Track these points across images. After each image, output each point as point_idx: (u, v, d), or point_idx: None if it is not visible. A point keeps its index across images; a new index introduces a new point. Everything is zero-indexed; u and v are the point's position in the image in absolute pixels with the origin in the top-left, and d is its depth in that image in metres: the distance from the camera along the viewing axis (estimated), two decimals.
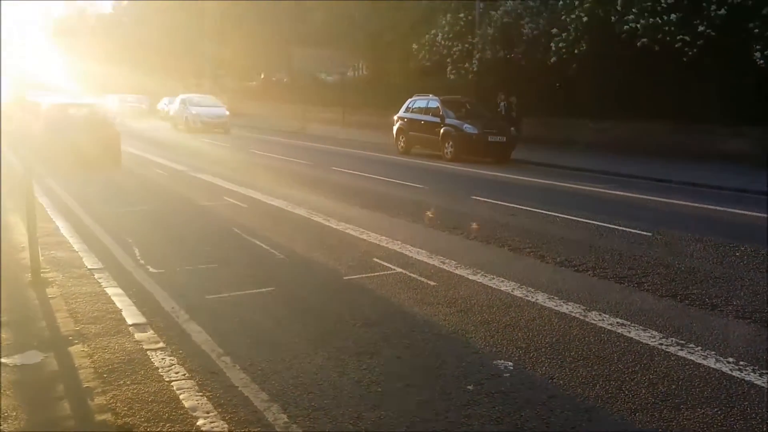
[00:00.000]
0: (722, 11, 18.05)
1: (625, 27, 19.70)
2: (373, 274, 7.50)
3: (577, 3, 21.37)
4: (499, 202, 12.55)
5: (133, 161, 18.91)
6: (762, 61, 17.54)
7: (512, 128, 21.69)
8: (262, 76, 53.50)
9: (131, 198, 12.88)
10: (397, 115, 23.51)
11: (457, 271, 7.60)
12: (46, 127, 16.85)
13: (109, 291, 6.62)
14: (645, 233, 9.77)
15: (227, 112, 33.98)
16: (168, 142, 27.44)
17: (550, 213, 11.46)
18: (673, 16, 18.62)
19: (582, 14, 21.12)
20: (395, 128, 23.47)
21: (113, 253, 8.29)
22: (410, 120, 22.81)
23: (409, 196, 13.39)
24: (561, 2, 22.33)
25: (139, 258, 8.10)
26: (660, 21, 18.80)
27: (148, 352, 5.15)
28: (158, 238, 9.36)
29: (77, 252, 8.14)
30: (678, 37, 18.65)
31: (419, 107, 22.78)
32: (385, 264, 7.89)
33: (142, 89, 51.72)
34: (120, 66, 55.31)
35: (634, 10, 19.42)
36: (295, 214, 11.18)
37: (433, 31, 29.53)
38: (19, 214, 10.22)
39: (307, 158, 20.69)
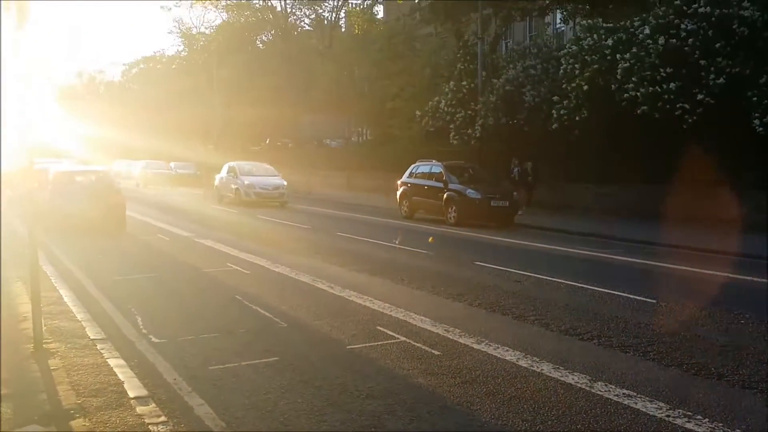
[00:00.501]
0: (721, 80, 18.37)
1: (625, 95, 20.01)
2: (376, 343, 7.46)
3: (577, 72, 21.77)
4: (503, 268, 12.54)
5: (138, 227, 19.04)
6: (761, 129, 17.75)
7: (526, 193, 22.11)
8: (267, 141, 54.24)
9: (135, 265, 12.92)
10: (401, 180, 23.71)
11: (462, 340, 7.55)
12: (53, 195, 17.02)
13: (111, 362, 6.58)
14: (649, 300, 9.72)
15: (285, 182, 28.99)
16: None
17: (553, 279, 11.43)
18: (672, 85, 18.93)
19: (582, 83, 21.49)
20: (399, 193, 23.64)
21: (116, 323, 8.28)
22: (414, 185, 22.98)
23: (412, 262, 13.40)
24: (562, 71, 22.75)
25: (141, 327, 8.08)
26: (659, 90, 19.11)
27: (149, 426, 5.09)
28: (161, 306, 9.36)
29: (80, 321, 8.13)
30: (678, 105, 18.93)
31: (423, 172, 22.98)
32: (389, 332, 7.85)
33: (148, 153, 52.35)
34: (128, 131, 56.23)
35: (633, 79, 19.76)
36: (299, 281, 11.18)
37: (436, 98, 30.05)
38: (22, 283, 10.25)
39: (312, 223, 20.80)
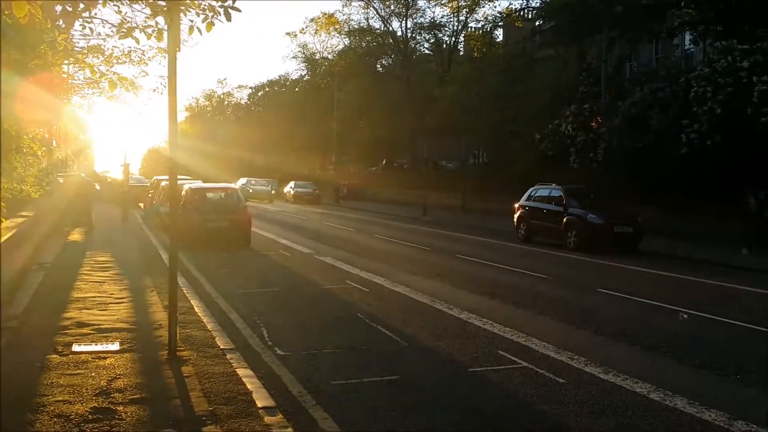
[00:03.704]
0: None
1: (762, 119, 18.93)
2: (499, 367, 7.34)
3: (709, 95, 20.78)
4: (627, 296, 12.04)
5: (261, 242, 19.68)
6: None
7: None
8: (384, 162, 54.96)
9: (259, 279, 13.34)
10: (519, 203, 23.35)
11: (588, 369, 7.30)
12: (185, 210, 17.89)
13: (240, 372, 6.79)
14: None
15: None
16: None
17: (682, 309, 10.86)
18: None
19: (715, 106, 20.49)
20: (516, 216, 23.28)
21: (243, 334, 8.57)
22: (532, 208, 22.58)
23: (532, 286, 13.12)
24: (692, 94, 21.77)
25: (267, 339, 8.31)
26: None
27: None
28: (284, 320, 9.59)
29: (210, 331, 8.45)
30: None
31: (541, 195, 22.55)
32: (511, 357, 7.70)
33: (270, 173, 54.27)
34: (253, 151, 58.61)
35: None
36: (418, 301, 11.18)
37: (556, 121, 29.49)
38: (157, 292, 10.80)
39: (429, 244, 20.79)
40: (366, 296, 11.60)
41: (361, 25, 51.52)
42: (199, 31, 6.79)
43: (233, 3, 6.45)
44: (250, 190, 47.44)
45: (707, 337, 9.03)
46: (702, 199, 21.87)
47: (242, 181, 50.62)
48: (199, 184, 22.07)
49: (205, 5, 6.65)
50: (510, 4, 44.51)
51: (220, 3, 6.28)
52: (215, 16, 6.62)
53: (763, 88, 19.02)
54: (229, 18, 6.33)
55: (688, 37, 31.23)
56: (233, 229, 18.46)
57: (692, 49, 31.52)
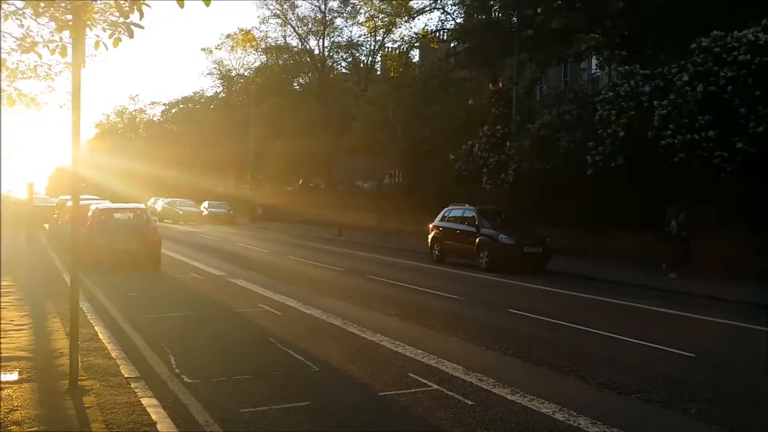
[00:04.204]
0: (761, 128, 18.12)
1: (662, 143, 19.83)
2: (409, 391, 7.36)
3: (613, 118, 21.64)
4: (536, 316, 12.34)
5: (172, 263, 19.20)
6: None
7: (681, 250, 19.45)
8: (300, 182, 54.74)
9: (168, 303, 13.00)
10: (433, 223, 23.65)
11: (496, 390, 7.41)
12: (91, 231, 17.30)
13: (145, 401, 6.58)
14: (689, 354, 9.47)
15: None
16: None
17: (588, 329, 11.21)
18: (711, 132, 18.71)
19: (619, 129, 21.35)
20: (430, 237, 23.57)
21: (149, 362, 8.31)
22: (446, 229, 22.91)
23: (444, 307, 13.28)
24: (597, 117, 22.63)
25: (174, 367, 8.09)
26: (698, 137, 18.89)
27: None
28: (194, 346, 9.37)
29: (115, 359, 8.16)
30: (716, 154, 18.69)
31: (455, 216, 22.92)
32: (421, 380, 7.75)
33: (185, 192, 53.11)
34: (165, 168, 57.24)
35: (671, 126, 19.56)
36: (330, 324, 11.13)
37: (470, 142, 30.12)
38: (59, 318, 10.37)
39: (343, 265, 20.78)
40: (278, 320, 11.47)
41: (279, 42, 51.32)
42: (105, 46, 6.61)
43: (141, 17, 6.29)
44: (180, 212, 46.05)
45: (610, 356, 9.33)
46: (617, 220, 22.68)
47: (163, 201, 49.26)
48: (106, 204, 21.40)
49: (111, 20, 6.48)
50: (426, 25, 45.32)
51: (122, 19, 6.11)
52: (121, 32, 6.45)
53: (663, 112, 19.91)
54: (131, 35, 6.18)
55: (594, 61, 32.56)
56: (142, 250, 17.97)
57: (598, 73, 32.86)
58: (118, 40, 6.44)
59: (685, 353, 9.49)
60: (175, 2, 5.61)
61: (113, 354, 8.43)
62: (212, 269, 18.68)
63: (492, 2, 30.69)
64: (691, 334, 11.45)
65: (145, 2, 5.78)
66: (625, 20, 26.02)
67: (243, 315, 11.90)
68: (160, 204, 49.24)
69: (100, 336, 9.45)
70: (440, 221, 23.38)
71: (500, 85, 31.38)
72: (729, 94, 18.62)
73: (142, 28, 6.32)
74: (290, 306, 12.80)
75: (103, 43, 6.64)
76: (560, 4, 27.64)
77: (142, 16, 6.00)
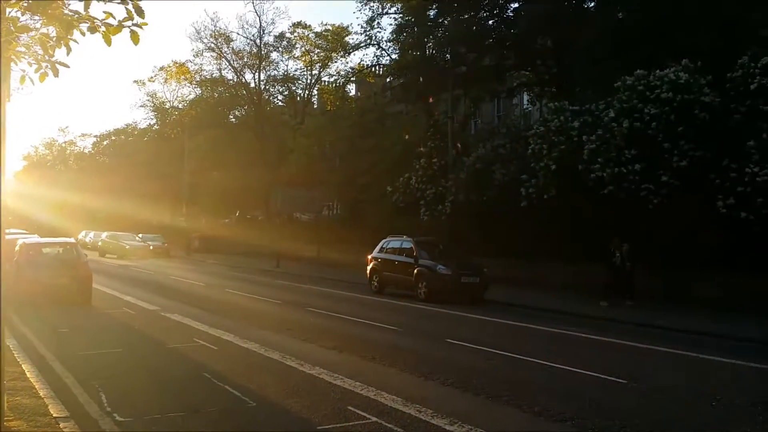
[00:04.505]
0: (684, 163, 18.91)
1: (592, 176, 20.45)
2: (348, 424, 7.33)
3: (545, 152, 22.23)
4: (474, 346, 12.47)
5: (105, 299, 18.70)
6: (725, 210, 18.19)
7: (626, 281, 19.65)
8: (237, 214, 54.15)
9: (100, 339, 12.65)
10: (372, 254, 23.74)
11: (434, 421, 7.44)
12: (19, 267, 16.76)
13: None
14: (620, 380, 9.71)
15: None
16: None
17: (525, 358, 11.39)
18: (637, 166, 19.41)
19: (550, 163, 21.94)
20: (369, 268, 23.62)
21: (80, 400, 8.06)
22: (384, 260, 23.01)
23: (383, 338, 13.29)
24: (530, 151, 23.22)
25: (106, 405, 7.86)
26: (625, 171, 19.57)
27: None
28: (126, 383, 9.13)
29: (43, 398, 7.87)
30: (643, 186, 19.37)
31: (393, 247, 23.06)
32: (360, 413, 7.72)
33: (117, 225, 51.89)
34: (97, 200, 55.90)
35: (599, 160, 20.22)
36: (268, 358, 11.00)
37: (407, 175, 30.45)
38: None
39: (281, 297, 20.60)
40: (214, 354, 11.28)
41: (214, 75, 50.89)
42: (32, 81, 6.49)
43: (68, 53, 6.19)
44: (127, 246, 44.12)
45: (546, 385, 9.49)
46: (551, 250, 23.21)
47: (105, 235, 47.78)
48: (35, 238, 20.76)
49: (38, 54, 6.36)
50: (362, 60, 45.76)
51: (47, 57, 6.00)
52: (47, 67, 6.33)
53: (591, 147, 20.56)
54: (56, 74, 6.07)
55: (526, 97, 33.49)
56: (72, 285, 17.46)
57: (530, 108, 33.78)
58: (45, 75, 6.33)
59: (620, 380, 9.73)
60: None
61: (42, 393, 8.13)
62: (145, 303, 18.27)
63: (426, 39, 31.30)
64: (623, 361, 11.74)
65: (73, 38, 5.70)
66: (553, 58, 26.96)
67: (177, 350, 11.66)
68: (102, 237, 47.79)
69: (28, 374, 9.11)
70: (379, 252, 23.47)
71: (436, 120, 31.95)
72: (653, 130, 19.38)
73: (67, 67, 6.22)
74: (227, 340, 12.61)
75: (29, 77, 6.53)
76: (492, 43, 28.39)
77: (69, 51, 5.91)
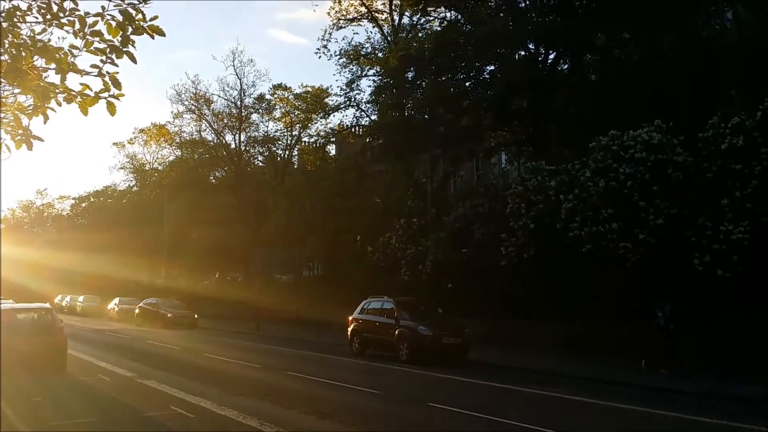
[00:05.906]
0: (660, 221, 19.13)
1: (570, 234, 20.61)
2: None
3: (523, 211, 22.43)
4: (457, 410, 12.29)
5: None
6: (701, 267, 18.34)
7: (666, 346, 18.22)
8: (217, 275, 53.72)
9: (74, 408, 12.34)
10: (353, 315, 23.57)
11: None
12: None
13: None
14: None
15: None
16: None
17: (510, 422, 11.24)
18: (614, 225, 19.61)
19: (529, 221, 22.11)
20: (350, 329, 23.42)
21: None
22: (365, 321, 22.86)
23: (364, 403, 13.09)
24: (509, 210, 23.39)
25: None
26: (602, 229, 19.75)
27: None
28: None
29: None
30: (620, 245, 19.53)
31: (374, 308, 22.93)
32: None
33: (95, 287, 51.27)
34: (74, 264, 55.26)
35: (577, 218, 20.41)
36: (245, 425, 10.77)
37: (387, 235, 30.49)
38: None
39: (261, 361, 20.28)
40: (191, 423, 11.03)
41: (194, 136, 51.03)
42: (8, 148, 6.49)
43: (45, 121, 6.20)
44: (169, 315, 38.17)
45: None
46: (531, 308, 23.20)
47: (93, 299, 47.06)
48: (9, 304, 20.42)
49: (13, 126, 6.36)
50: (341, 121, 46.21)
51: (21, 130, 6.01)
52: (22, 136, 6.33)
53: (569, 206, 20.79)
54: (30, 147, 6.07)
55: (504, 156, 33.95)
56: (47, 352, 17.02)
57: (508, 168, 34.22)
58: (21, 142, 6.34)
59: None
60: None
61: None
62: (122, 370, 17.89)
63: (404, 100, 31.81)
64: (607, 423, 11.64)
65: (50, 107, 5.74)
66: (529, 118, 27.46)
67: (153, 419, 11.38)
68: (79, 301, 47.09)
69: None
70: (360, 313, 23.33)
71: (416, 180, 32.23)
72: (629, 189, 19.66)
73: (42, 140, 6.23)
74: (204, 407, 12.33)
75: (6, 144, 6.53)
76: (469, 104, 28.89)
77: (46, 119, 5.93)
